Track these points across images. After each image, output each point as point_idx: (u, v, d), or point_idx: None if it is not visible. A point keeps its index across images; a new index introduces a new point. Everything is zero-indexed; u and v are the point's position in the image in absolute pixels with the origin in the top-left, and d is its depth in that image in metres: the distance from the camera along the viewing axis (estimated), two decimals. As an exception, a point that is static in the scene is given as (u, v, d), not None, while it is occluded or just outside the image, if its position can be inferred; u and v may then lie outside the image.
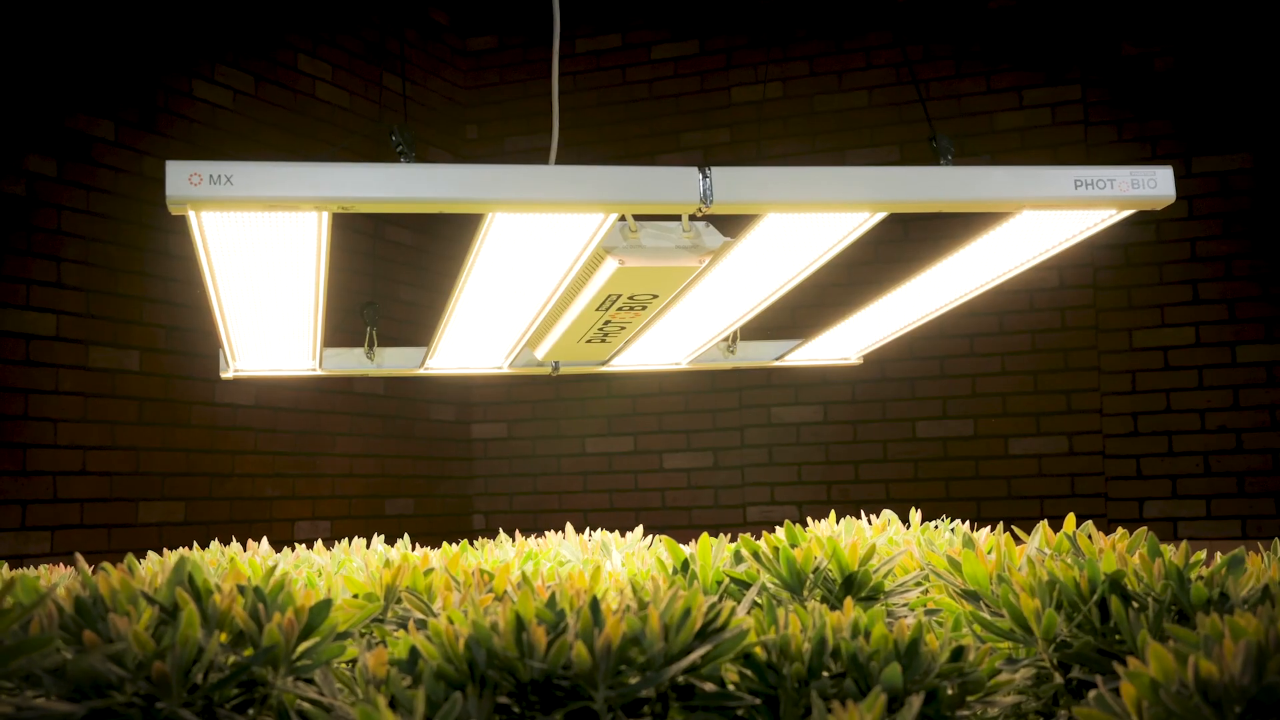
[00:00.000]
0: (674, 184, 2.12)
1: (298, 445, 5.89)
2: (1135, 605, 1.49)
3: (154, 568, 1.71)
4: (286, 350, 3.08)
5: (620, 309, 2.68)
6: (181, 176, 1.97)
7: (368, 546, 2.53)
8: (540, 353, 3.12)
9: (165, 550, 2.41)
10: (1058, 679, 1.45)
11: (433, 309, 6.67)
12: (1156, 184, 2.27)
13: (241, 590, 1.40)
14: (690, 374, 6.55)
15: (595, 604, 1.33)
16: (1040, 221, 2.45)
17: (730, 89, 6.74)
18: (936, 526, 2.33)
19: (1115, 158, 5.99)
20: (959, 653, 1.39)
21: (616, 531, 2.69)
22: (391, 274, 6.35)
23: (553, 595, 1.38)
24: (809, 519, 2.37)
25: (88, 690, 1.22)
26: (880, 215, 2.28)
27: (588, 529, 2.71)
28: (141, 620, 1.33)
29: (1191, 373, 5.92)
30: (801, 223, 2.33)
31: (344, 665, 1.50)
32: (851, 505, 6.38)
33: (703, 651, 1.27)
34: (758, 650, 1.38)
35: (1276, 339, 5.81)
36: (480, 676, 1.31)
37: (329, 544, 2.62)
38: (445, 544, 2.45)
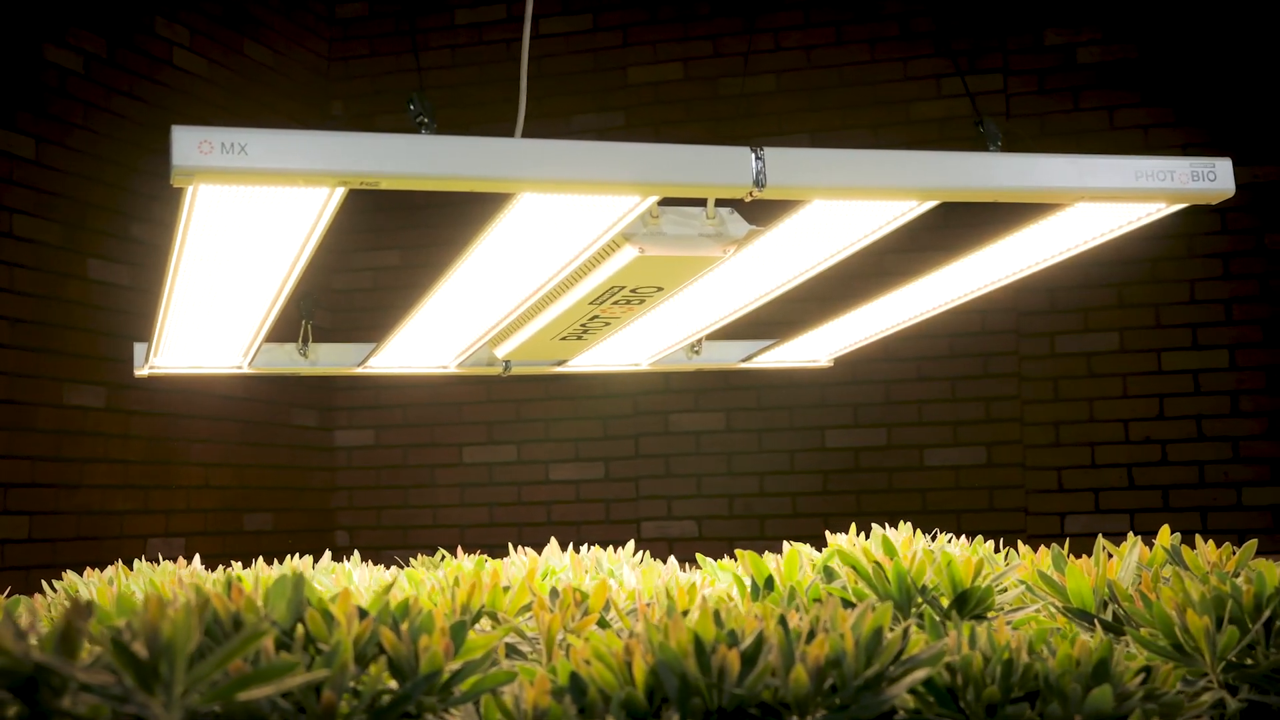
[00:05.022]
0: (726, 165, 2.11)
1: (151, 453, 5.70)
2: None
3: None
4: (218, 345, 2.98)
5: (617, 303, 2.66)
6: (190, 144, 1.89)
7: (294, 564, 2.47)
8: (503, 350, 3.07)
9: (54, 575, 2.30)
10: (1232, 702, 1.47)
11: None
12: (1216, 177, 2.33)
13: (364, 614, 1.34)
14: (580, 378, 6.51)
15: (784, 621, 1.31)
16: (1081, 216, 2.49)
17: (626, 69, 6.73)
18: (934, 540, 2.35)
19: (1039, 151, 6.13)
20: (1147, 674, 1.40)
21: (611, 547, 2.66)
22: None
23: (716, 614, 1.35)
24: (836, 533, 2.37)
25: (239, 726, 1.15)
26: (929, 204, 2.29)
27: (525, 547, 2.67)
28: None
29: (1116, 380, 6.10)
30: (841, 210, 2.33)
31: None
32: (755, 519, 6.43)
33: (921, 675, 1.26)
34: (935, 673, 1.37)
35: (1202, 346, 6.01)
36: (658, 706, 1.27)
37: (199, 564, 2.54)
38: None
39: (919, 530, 2.29)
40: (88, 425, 5.38)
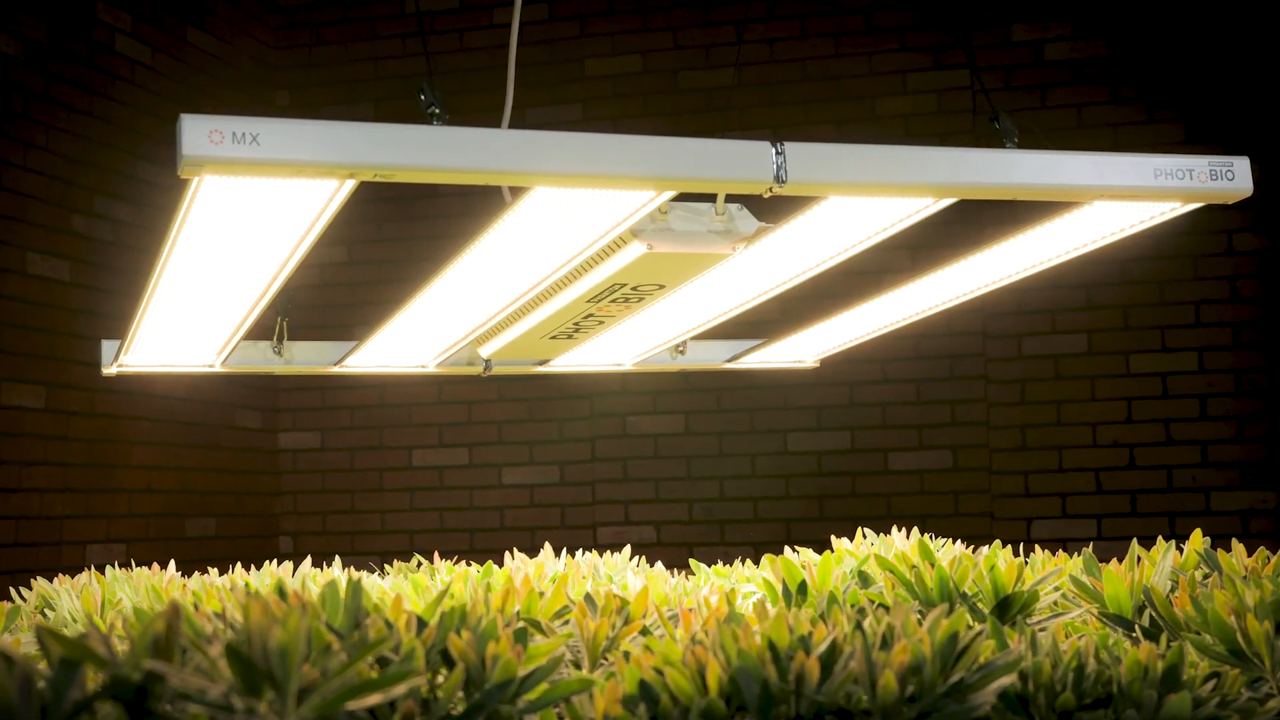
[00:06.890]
0: (745, 160, 2.11)
1: (92, 455, 5.63)
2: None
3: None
4: (192, 342, 2.95)
5: (615, 301, 2.65)
6: (200, 133, 1.87)
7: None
8: (489, 349, 3.06)
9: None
10: (1294, 707, 1.49)
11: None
12: (1234, 176, 2.36)
13: (422, 622, 1.33)
14: (534, 378, 6.49)
15: (860, 626, 1.31)
16: (1090, 215, 2.52)
17: (584, 60, 6.72)
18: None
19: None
20: (1217, 679, 1.42)
21: (609, 552, 2.65)
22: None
23: (786, 619, 1.35)
24: (837, 538, 2.39)
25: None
26: (945, 202, 2.31)
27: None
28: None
29: (1083, 383, 6.16)
30: (854, 207, 2.34)
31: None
32: (715, 524, 6.44)
33: (1006, 681, 1.27)
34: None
35: (1171, 348, 6.09)
36: (733, 714, 1.27)
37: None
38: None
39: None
40: (26, 426, 5.31)
